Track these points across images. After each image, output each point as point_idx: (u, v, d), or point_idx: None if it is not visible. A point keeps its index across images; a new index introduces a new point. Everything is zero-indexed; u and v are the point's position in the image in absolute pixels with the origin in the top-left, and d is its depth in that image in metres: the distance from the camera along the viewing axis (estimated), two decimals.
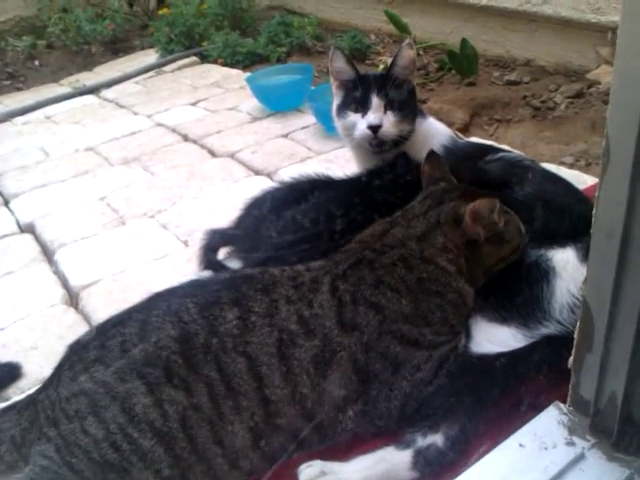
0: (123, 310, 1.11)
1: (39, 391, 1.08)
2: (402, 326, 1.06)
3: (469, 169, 1.49)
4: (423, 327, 1.08)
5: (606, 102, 2.59)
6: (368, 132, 1.54)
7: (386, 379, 1.05)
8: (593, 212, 0.92)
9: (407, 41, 1.58)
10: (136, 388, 0.96)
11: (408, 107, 1.57)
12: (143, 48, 4.08)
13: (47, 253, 1.95)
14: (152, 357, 0.98)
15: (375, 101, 1.54)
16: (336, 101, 1.65)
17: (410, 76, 1.59)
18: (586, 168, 2.15)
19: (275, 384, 1.00)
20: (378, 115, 1.53)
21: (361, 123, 1.55)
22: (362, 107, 1.56)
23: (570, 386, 1.05)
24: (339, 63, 1.61)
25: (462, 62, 2.93)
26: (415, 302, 1.08)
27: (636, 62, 0.79)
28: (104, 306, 1.64)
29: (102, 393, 0.97)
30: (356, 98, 1.57)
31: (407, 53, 1.55)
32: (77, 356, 1.03)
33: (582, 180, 1.92)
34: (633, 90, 0.80)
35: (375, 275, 1.10)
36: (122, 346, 1.00)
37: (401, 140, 1.57)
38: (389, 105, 1.54)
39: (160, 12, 4.20)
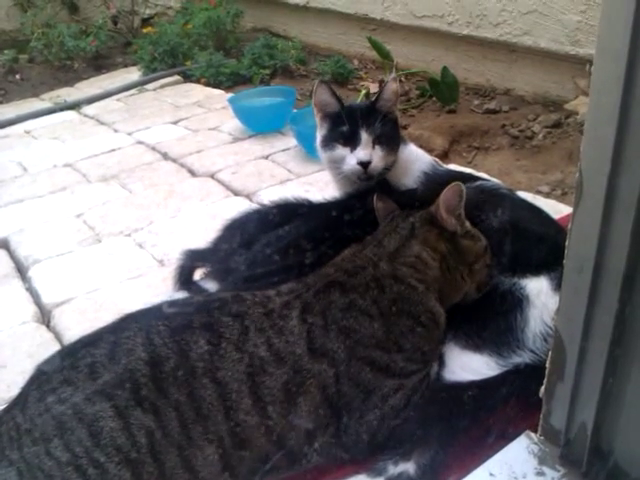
0: (94, 330, 1.09)
1: (4, 412, 1.05)
2: (373, 352, 1.06)
3: None
4: (395, 353, 1.08)
5: (583, 133, 2.63)
6: (358, 168, 1.53)
7: (357, 407, 1.05)
8: (566, 244, 0.93)
9: (393, 75, 1.62)
10: (104, 411, 0.95)
11: (393, 139, 1.58)
12: (126, 65, 4.07)
13: (21, 269, 1.93)
14: (121, 380, 0.97)
15: (364, 137, 1.54)
16: (320, 132, 1.64)
17: (393, 107, 1.60)
18: (562, 197, 2.18)
19: (245, 411, 0.99)
20: (368, 151, 1.54)
21: (350, 158, 1.55)
22: (351, 142, 1.55)
23: (541, 415, 1.05)
24: (324, 96, 1.61)
25: (443, 90, 2.97)
26: (387, 326, 1.08)
27: (609, 99, 0.81)
28: (76, 325, 1.62)
29: (69, 415, 0.95)
30: (344, 132, 1.56)
31: (393, 87, 1.57)
32: (45, 376, 1.01)
33: (558, 209, 1.95)
34: (606, 127, 0.82)
35: (346, 298, 1.10)
36: (91, 368, 0.98)
37: (386, 171, 1.58)
38: (377, 140, 1.55)
39: (144, 30, 4.21)
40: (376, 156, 1.54)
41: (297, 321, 1.06)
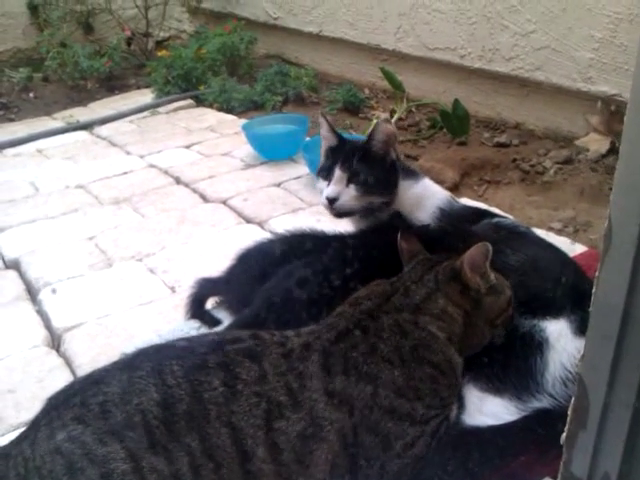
0: (106, 365, 1.08)
1: (13, 445, 1.03)
2: (394, 400, 1.04)
3: (463, 233, 1.50)
4: (415, 401, 1.06)
5: (594, 170, 2.64)
6: (325, 202, 1.58)
7: (377, 456, 1.03)
8: (593, 291, 0.92)
9: (384, 116, 1.64)
10: (115, 452, 0.93)
11: (379, 181, 1.58)
12: (139, 87, 4.10)
13: (31, 292, 1.91)
14: (133, 421, 0.95)
15: (337, 173, 1.57)
16: (320, 164, 1.69)
17: (389, 149, 1.60)
18: (574, 234, 2.17)
19: (260, 457, 0.97)
20: (336, 188, 1.56)
21: (324, 192, 1.58)
22: (329, 176, 1.59)
23: (562, 463, 1.03)
24: (323, 130, 1.66)
25: (454, 122, 2.98)
26: (407, 373, 1.07)
27: None
28: (86, 350, 1.61)
29: (79, 455, 0.93)
30: (327, 167, 1.61)
31: (384, 128, 1.57)
32: (56, 412, 0.99)
33: (571, 247, 1.94)
34: (638, 177, 0.81)
35: (367, 344, 1.08)
36: (103, 406, 0.96)
37: (370, 210, 1.59)
38: (354, 178, 1.56)
39: (159, 54, 4.24)
40: (347, 194, 1.56)
41: (316, 365, 1.04)
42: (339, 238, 1.61)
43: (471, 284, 1.18)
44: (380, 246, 1.49)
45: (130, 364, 1.05)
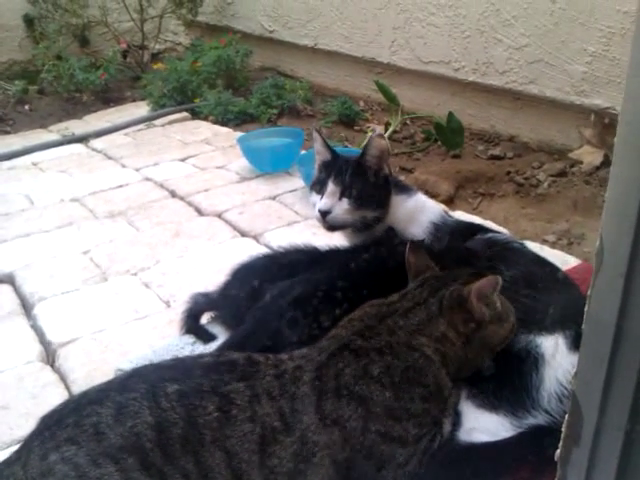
0: (100, 384, 1.08)
1: (5, 465, 1.02)
2: (386, 422, 1.04)
3: (457, 248, 1.51)
4: (406, 421, 1.05)
5: (588, 182, 2.65)
6: (318, 215, 1.58)
7: (372, 477, 1.02)
8: (585, 309, 0.93)
9: (377, 131, 1.65)
10: (110, 474, 0.92)
11: (372, 195, 1.59)
12: (134, 100, 4.11)
13: (26, 306, 1.91)
14: (127, 443, 0.94)
15: (330, 187, 1.58)
16: (313, 178, 1.69)
17: (383, 164, 1.61)
18: (568, 247, 2.18)
19: None
20: (329, 201, 1.57)
21: (317, 205, 1.59)
22: (321, 190, 1.61)
23: (556, 479, 1.03)
24: (317, 144, 1.67)
25: (448, 134, 3.00)
26: (398, 394, 1.06)
27: (631, 171, 0.81)
28: (81, 366, 1.61)
29: (73, 476, 0.92)
30: (320, 180, 1.63)
31: (377, 143, 1.58)
32: (49, 432, 0.98)
33: (565, 260, 1.95)
34: (628, 197, 0.82)
35: (358, 366, 1.07)
36: (97, 427, 0.96)
37: (362, 225, 1.59)
38: (346, 192, 1.57)
39: (154, 66, 4.25)
40: (339, 208, 1.57)
41: (308, 388, 1.04)
42: (334, 253, 1.62)
43: (476, 314, 1.16)
44: (374, 262, 1.49)
45: (124, 385, 1.04)
